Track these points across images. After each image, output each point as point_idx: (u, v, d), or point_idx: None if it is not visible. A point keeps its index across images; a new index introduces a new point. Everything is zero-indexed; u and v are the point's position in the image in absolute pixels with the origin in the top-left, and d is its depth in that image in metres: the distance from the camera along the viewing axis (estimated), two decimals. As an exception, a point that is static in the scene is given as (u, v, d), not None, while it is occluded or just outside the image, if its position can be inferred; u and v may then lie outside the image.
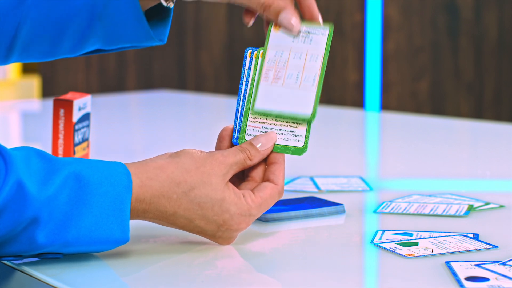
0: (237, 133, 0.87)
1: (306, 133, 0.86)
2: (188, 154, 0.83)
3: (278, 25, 0.88)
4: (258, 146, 0.85)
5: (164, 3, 0.90)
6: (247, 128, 0.87)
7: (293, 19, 0.87)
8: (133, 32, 0.90)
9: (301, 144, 0.86)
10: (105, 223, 0.78)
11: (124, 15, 0.88)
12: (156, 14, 0.93)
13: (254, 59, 0.88)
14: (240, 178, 0.88)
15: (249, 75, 0.88)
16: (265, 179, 0.86)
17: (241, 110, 0.88)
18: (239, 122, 0.88)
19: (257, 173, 0.86)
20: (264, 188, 0.84)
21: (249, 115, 0.87)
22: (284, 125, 0.87)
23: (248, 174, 0.87)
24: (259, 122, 0.87)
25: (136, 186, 0.79)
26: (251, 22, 0.90)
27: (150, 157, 0.83)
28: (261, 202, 0.83)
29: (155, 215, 0.81)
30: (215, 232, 0.83)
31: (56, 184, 0.76)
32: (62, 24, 0.90)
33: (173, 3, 0.91)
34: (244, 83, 0.88)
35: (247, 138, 0.87)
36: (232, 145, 0.88)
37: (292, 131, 0.87)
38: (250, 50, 0.88)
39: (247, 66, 0.88)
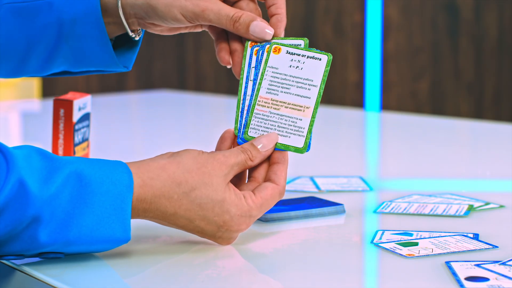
0: (243, 128, 0.87)
1: (307, 133, 0.86)
2: (190, 154, 0.83)
3: (251, 40, 0.87)
4: (259, 147, 0.85)
5: (131, 34, 0.91)
6: (251, 122, 0.87)
7: (266, 25, 0.87)
8: (98, 56, 0.91)
9: (300, 145, 0.86)
10: (107, 222, 0.78)
11: (89, 39, 0.89)
12: (125, 42, 0.94)
13: (265, 53, 0.88)
14: (241, 178, 0.88)
15: (257, 74, 0.88)
16: (266, 179, 0.86)
17: (248, 106, 0.88)
18: (245, 119, 0.88)
19: (260, 174, 0.87)
20: (265, 189, 0.84)
21: (254, 110, 0.87)
22: (286, 120, 0.87)
23: (251, 174, 0.87)
24: (262, 119, 0.87)
25: (137, 185, 0.79)
26: (230, 60, 0.89)
27: (151, 157, 0.83)
28: (261, 202, 0.83)
29: (155, 214, 0.81)
30: (215, 232, 0.83)
31: (58, 183, 0.76)
32: (30, 42, 0.91)
33: (139, 35, 0.92)
34: (251, 82, 0.88)
35: (251, 132, 0.87)
36: (234, 145, 0.88)
37: (294, 130, 0.87)
38: (256, 48, 0.88)
39: (253, 64, 0.88)
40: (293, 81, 0.87)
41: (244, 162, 0.84)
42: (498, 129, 1.92)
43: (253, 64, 0.88)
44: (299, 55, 0.87)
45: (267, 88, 0.87)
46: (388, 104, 3.80)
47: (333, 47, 3.84)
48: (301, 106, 0.86)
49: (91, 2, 0.88)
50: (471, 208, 1.02)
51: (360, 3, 3.82)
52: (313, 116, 0.86)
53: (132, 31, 0.91)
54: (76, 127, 1.12)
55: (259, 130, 0.87)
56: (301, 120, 0.86)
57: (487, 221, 0.97)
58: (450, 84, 3.75)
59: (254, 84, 0.88)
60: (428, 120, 2.30)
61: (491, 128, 2.00)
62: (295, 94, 0.87)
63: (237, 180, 0.87)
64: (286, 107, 0.86)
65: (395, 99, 3.80)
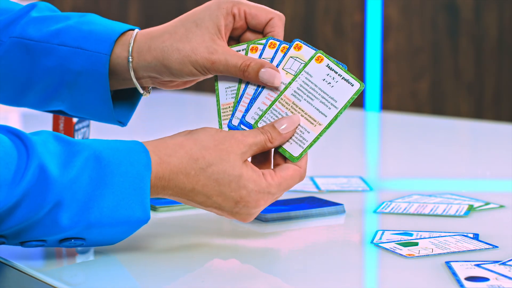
0: (244, 112, 0.87)
1: (307, 147, 0.86)
2: (207, 131, 0.84)
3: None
4: (281, 128, 0.85)
5: (141, 91, 0.91)
6: (265, 115, 0.87)
7: (272, 71, 0.86)
8: (97, 109, 0.92)
9: (296, 154, 0.86)
10: (126, 203, 0.78)
11: (92, 93, 0.90)
12: (127, 96, 0.94)
13: (293, 49, 0.88)
14: (266, 162, 0.87)
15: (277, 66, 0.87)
16: (288, 162, 0.86)
17: (255, 95, 0.87)
18: (249, 105, 0.87)
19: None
20: (286, 169, 0.85)
21: (273, 106, 0.87)
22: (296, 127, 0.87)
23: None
24: (276, 117, 0.87)
25: (155, 163, 0.80)
26: None
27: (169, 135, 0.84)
28: (281, 181, 0.84)
29: (174, 191, 0.82)
30: (233, 208, 0.83)
31: (77, 166, 0.77)
32: (30, 79, 0.92)
33: (148, 93, 0.92)
34: None
35: (260, 123, 0.86)
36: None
37: (298, 139, 0.87)
38: (272, 41, 0.88)
39: (278, 58, 0.88)
40: (319, 94, 0.87)
41: (263, 143, 0.84)
42: (498, 129, 1.93)
43: (276, 58, 0.88)
44: (336, 72, 0.87)
45: (294, 91, 0.87)
46: (388, 104, 3.80)
47: (333, 47, 3.84)
48: (315, 121, 0.86)
49: (100, 59, 0.88)
50: (471, 208, 1.02)
51: (360, 3, 3.82)
52: (320, 134, 0.86)
53: (143, 88, 0.92)
54: (76, 127, 1.12)
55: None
56: (308, 133, 0.86)
57: (487, 221, 0.97)
58: (450, 84, 3.75)
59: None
60: (428, 120, 2.30)
61: (491, 128, 2.00)
62: (315, 108, 0.87)
63: (262, 164, 0.87)
64: (302, 116, 0.86)
65: (395, 99, 3.80)
